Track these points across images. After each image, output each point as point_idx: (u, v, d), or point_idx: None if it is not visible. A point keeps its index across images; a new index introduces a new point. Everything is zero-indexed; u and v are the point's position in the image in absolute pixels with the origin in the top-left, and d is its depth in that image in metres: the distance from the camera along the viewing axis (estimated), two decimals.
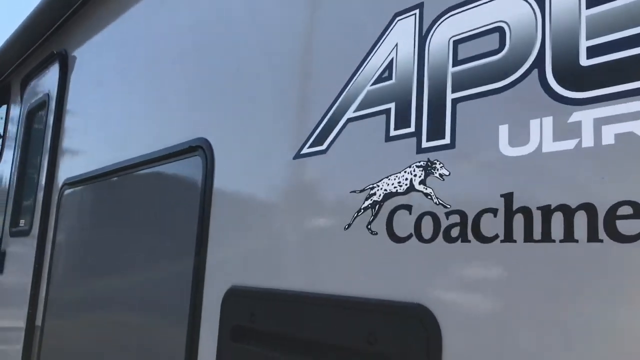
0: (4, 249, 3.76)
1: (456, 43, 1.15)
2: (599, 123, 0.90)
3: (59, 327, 2.82)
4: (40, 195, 3.25)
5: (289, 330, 1.41)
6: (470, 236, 1.05)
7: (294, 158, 1.50)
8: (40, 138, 3.46)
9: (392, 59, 1.27)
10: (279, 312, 1.44)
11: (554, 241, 0.93)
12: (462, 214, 1.07)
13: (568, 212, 0.92)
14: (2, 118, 4.79)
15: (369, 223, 1.25)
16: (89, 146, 2.86)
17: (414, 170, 1.17)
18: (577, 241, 0.90)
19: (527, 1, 1.04)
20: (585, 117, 0.92)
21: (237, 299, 1.62)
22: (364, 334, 1.21)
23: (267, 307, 1.48)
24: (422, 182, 1.15)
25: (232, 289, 1.64)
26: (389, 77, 1.27)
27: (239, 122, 1.77)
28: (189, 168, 1.94)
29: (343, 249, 1.31)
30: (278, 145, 1.57)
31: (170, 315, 1.93)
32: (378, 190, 1.24)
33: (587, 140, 0.91)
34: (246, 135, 1.73)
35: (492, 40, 1.08)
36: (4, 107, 4.62)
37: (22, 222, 3.63)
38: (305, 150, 1.47)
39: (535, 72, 1.00)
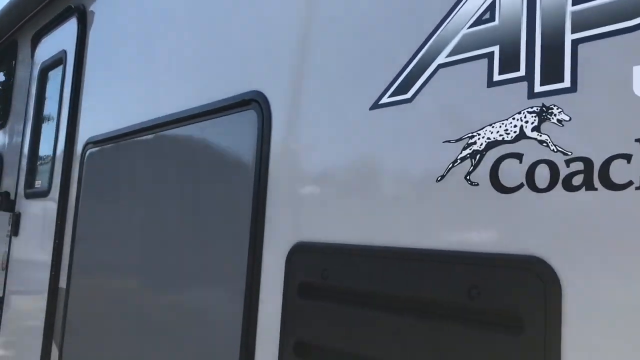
0: (18, 210, 3.67)
1: None
2: None
3: (88, 289, 2.76)
4: (60, 156, 3.16)
5: (371, 286, 1.35)
6: (597, 184, 0.99)
7: (371, 109, 1.43)
8: (56, 96, 3.34)
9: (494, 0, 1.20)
10: (358, 268, 1.39)
11: None
12: (587, 161, 1.01)
13: None
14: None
15: (468, 174, 1.19)
16: (116, 103, 2.75)
17: (525, 117, 1.11)
18: None
19: None
20: None
21: (305, 255, 1.56)
22: (464, 289, 1.16)
23: (344, 263, 1.43)
24: (535, 129, 1.09)
25: (298, 245, 1.58)
26: (491, 19, 1.20)
27: (300, 71, 1.69)
28: (241, 122, 1.86)
29: (435, 201, 1.25)
30: (350, 96, 1.50)
31: (223, 276, 1.87)
32: (479, 139, 1.18)
33: None
34: (309, 86, 1.65)
35: None
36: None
37: (38, 183, 3.53)
38: (384, 100, 1.40)
39: None
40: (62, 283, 2.99)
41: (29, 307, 3.34)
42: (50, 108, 3.50)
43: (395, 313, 1.30)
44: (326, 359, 1.47)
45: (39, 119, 3.64)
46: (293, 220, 1.63)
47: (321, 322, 1.48)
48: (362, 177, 1.44)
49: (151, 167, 2.36)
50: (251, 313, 1.70)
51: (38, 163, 3.59)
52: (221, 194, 1.93)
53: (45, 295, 3.09)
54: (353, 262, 1.41)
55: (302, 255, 1.57)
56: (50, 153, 3.30)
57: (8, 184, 3.98)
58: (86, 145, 2.91)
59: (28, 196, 3.58)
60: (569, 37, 1.07)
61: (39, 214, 3.40)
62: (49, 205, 3.22)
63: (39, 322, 3.08)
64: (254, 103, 1.82)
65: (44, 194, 3.31)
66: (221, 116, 1.96)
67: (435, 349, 1.19)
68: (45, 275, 3.12)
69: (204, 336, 1.88)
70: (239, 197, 1.83)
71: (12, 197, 3.81)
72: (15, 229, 3.64)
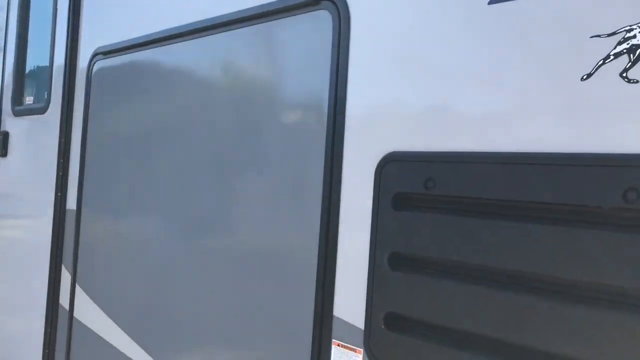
0: (5, 129, 3.40)
1: None
2: None
3: (106, 210, 2.60)
4: (59, 69, 2.91)
5: (498, 194, 1.28)
6: None
7: (491, 3, 1.32)
8: (48, 3, 3.04)
9: None
10: (479, 176, 1.31)
11: None
12: None
13: None
14: None
15: (625, 70, 1.11)
16: (135, 4, 2.51)
17: None
18: None
19: None
20: None
21: (401, 166, 1.47)
22: (619, 192, 1.10)
23: (457, 172, 1.35)
24: None
25: (391, 155, 1.49)
26: None
27: None
28: (311, 24, 1.71)
29: (579, 101, 1.17)
30: None
31: (293, 193, 1.77)
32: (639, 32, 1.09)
33: None
34: None
35: None
36: None
37: (29, 100, 3.27)
38: None
39: None
40: (71, 204, 2.81)
41: (29, 230, 3.15)
42: (40, 14, 3.19)
43: (526, 221, 1.24)
44: (427, 269, 1.41)
45: (26, 27, 3.33)
46: (383, 129, 1.53)
47: (424, 232, 1.41)
48: (479, 79, 1.34)
49: (189, 80, 2.18)
50: (330, 230, 1.62)
51: (28, 78, 3.31)
52: (286, 107, 1.80)
53: (50, 217, 2.91)
54: (471, 171, 1.33)
55: (397, 166, 1.48)
56: (46, 67, 3.04)
57: None
58: (94, 57, 2.68)
59: (18, 114, 3.32)
60: None
61: (35, 133, 3.16)
62: (49, 123, 2.99)
63: (44, 245, 2.92)
64: (326, 2, 1.67)
65: (40, 110, 3.06)
66: (284, 18, 1.80)
67: (579, 254, 1.15)
68: (48, 197, 2.93)
69: (273, 261, 1.79)
70: (310, 108, 1.71)
71: None
72: (3, 150, 3.39)
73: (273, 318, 1.76)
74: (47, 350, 2.85)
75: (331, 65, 1.64)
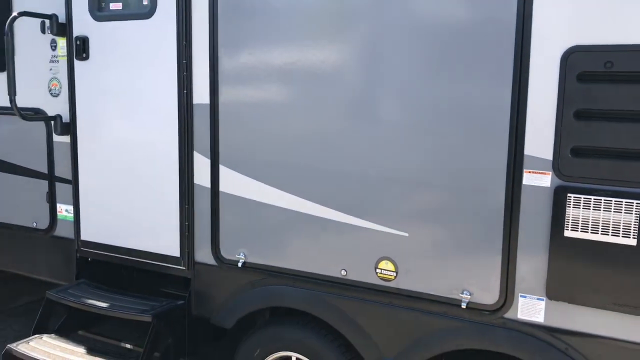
0: (82, 34, 3.60)
1: None
2: None
3: (248, 101, 3.13)
4: None
5: None
6: None
7: None
8: None
9: None
10: None
11: None
12: None
13: None
14: None
15: None
16: None
17: None
18: None
19: None
20: None
21: (583, 54, 2.33)
22: None
23: (628, 55, 2.24)
24: None
25: (574, 47, 2.34)
26: None
27: None
28: None
29: None
30: None
31: (486, 71, 2.55)
32: None
33: None
34: None
35: None
36: None
37: (114, 6, 3.51)
38: None
39: None
40: (200, 99, 3.27)
41: (144, 126, 3.49)
42: None
43: None
44: (603, 118, 2.33)
45: None
46: (567, 25, 2.35)
47: (602, 94, 2.32)
48: None
49: None
50: (520, 97, 2.46)
51: None
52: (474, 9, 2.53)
53: (171, 112, 3.34)
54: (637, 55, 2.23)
55: (579, 54, 2.34)
56: None
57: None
58: None
59: (101, 19, 3.55)
60: None
61: (131, 37, 3.44)
62: (156, 27, 3.33)
63: (169, 136, 3.36)
64: None
65: (143, 16, 3.37)
66: None
67: None
68: (164, 94, 3.34)
69: (474, 115, 2.59)
70: (497, 15, 2.47)
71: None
72: (84, 54, 3.62)
73: (474, 164, 2.60)
74: (186, 222, 3.42)
75: None
